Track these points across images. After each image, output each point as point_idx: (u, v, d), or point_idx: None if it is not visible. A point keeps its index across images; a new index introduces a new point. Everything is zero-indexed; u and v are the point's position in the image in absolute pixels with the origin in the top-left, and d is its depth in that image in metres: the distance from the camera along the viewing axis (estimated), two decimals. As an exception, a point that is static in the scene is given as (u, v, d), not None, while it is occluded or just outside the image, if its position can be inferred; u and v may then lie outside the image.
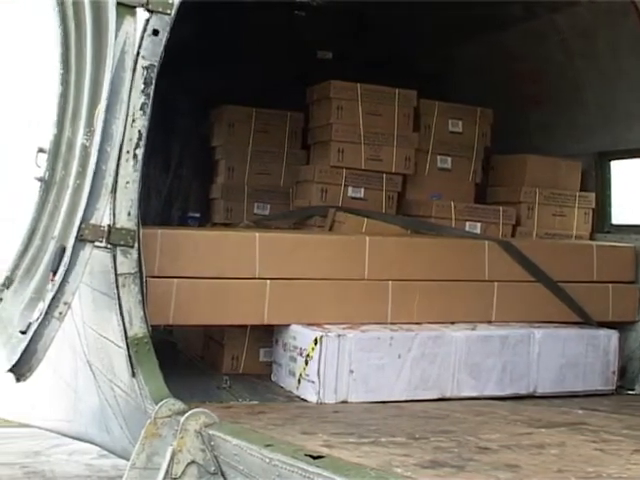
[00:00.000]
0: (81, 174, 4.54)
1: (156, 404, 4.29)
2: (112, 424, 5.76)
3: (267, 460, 3.48)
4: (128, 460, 4.51)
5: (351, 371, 5.60)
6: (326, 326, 5.76)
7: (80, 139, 4.66)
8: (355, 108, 7.44)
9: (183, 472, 4.02)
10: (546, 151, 7.76)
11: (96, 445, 7.44)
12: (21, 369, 4.44)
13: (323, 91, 7.58)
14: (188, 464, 4.03)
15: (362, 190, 7.52)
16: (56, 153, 5.52)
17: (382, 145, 7.49)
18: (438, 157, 7.83)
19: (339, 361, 5.57)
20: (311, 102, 7.90)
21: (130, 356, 4.64)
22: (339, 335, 5.60)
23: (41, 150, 5.68)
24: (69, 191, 4.73)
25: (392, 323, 6.03)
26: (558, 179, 7.63)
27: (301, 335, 5.74)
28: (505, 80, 8.11)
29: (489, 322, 6.31)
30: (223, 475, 3.97)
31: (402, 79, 7.64)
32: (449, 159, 7.86)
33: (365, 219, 6.99)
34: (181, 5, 4.71)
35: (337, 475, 3.12)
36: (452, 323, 6.16)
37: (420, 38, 8.45)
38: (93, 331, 5.42)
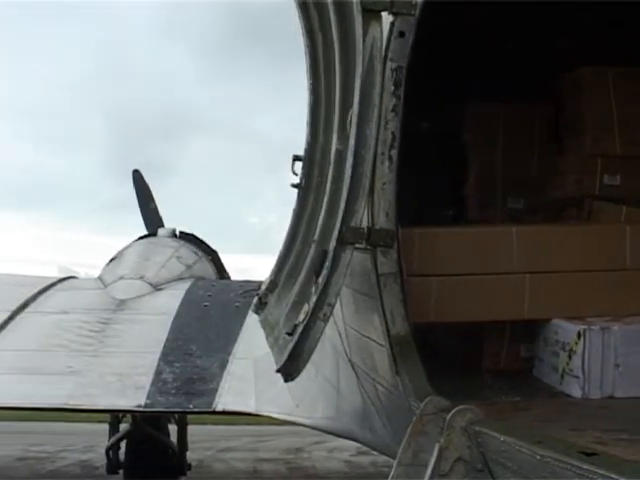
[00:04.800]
0: (337, 179, 4.66)
1: (420, 401, 4.31)
2: (375, 421, 5.86)
3: (538, 457, 3.42)
4: (390, 456, 4.58)
5: (617, 365, 5.41)
6: (589, 319, 5.60)
7: (334, 145, 4.78)
8: (607, 93, 7.19)
9: (450, 469, 4.03)
10: None
11: (358, 442, 7.62)
12: (289, 369, 4.61)
13: (573, 79, 7.39)
14: (455, 461, 4.03)
15: (618, 177, 7.27)
16: (311, 160, 5.70)
17: (638, 129, 7.21)
18: (703, 136, 7.43)
19: (604, 355, 5.40)
20: (561, 90, 7.72)
21: (393, 355, 4.71)
22: (603, 328, 5.43)
23: (297, 158, 5.88)
24: (326, 196, 4.86)
25: (657, 314, 5.79)
26: None
27: (563, 329, 5.61)
28: None
29: None
30: (490, 472, 3.94)
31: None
32: None
33: (624, 207, 6.75)
34: (425, 5, 4.73)
35: (613, 473, 3.03)
36: None
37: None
38: (355, 331, 5.55)
